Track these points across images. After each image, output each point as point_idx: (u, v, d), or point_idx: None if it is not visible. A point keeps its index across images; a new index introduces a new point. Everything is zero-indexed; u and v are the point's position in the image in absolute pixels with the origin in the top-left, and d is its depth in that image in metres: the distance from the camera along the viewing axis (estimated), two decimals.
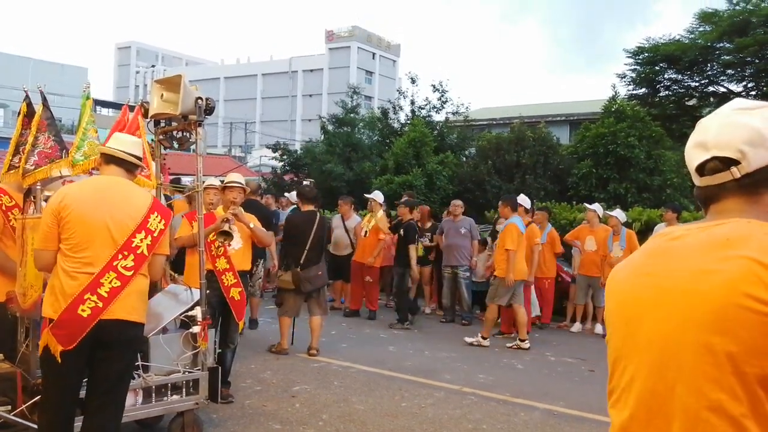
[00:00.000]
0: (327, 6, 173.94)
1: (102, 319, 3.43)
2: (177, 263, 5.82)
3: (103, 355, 3.50)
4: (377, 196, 10.37)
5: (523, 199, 9.22)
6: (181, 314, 4.69)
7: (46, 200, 4.22)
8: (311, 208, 7.69)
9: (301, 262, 7.44)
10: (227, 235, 5.46)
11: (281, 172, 22.45)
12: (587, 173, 14.24)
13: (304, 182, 11.93)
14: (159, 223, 3.67)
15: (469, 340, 8.67)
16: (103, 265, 3.46)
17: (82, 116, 4.53)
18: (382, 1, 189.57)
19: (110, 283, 3.45)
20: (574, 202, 12.68)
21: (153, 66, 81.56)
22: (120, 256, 3.50)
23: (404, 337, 9.05)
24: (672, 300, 1.20)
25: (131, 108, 5.19)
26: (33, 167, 4.27)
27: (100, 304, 3.42)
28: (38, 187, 4.31)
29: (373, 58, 71.37)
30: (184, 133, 5.01)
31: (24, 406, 3.94)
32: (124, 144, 3.76)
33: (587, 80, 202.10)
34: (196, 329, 4.61)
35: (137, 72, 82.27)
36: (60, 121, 46.50)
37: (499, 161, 15.41)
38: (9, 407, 4.05)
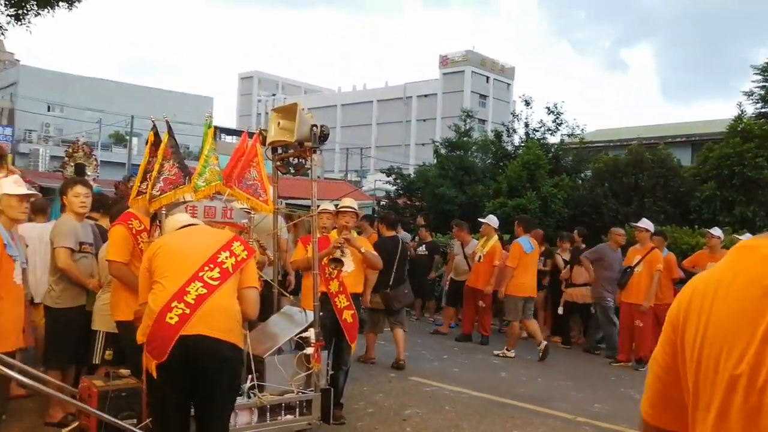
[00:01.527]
0: (441, 32, 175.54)
1: (188, 335, 3.41)
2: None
3: (199, 378, 3.49)
4: (491, 220, 10.21)
5: (646, 223, 9.07)
6: (295, 335, 4.81)
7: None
8: (393, 233, 8.65)
9: (390, 283, 7.96)
10: (338, 263, 5.55)
11: (395, 196, 22.69)
12: (711, 196, 13.47)
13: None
14: (242, 251, 3.77)
15: (496, 352, 9.27)
16: (189, 276, 3.56)
17: (204, 144, 4.79)
18: (496, 25, 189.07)
19: (196, 291, 3.51)
20: (697, 226, 12.04)
21: (273, 94, 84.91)
22: (206, 268, 3.60)
23: (517, 363, 8.86)
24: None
25: (250, 135, 5.42)
26: (159, 193, 4.55)
27: (187, 311, 3.45)
28: (163, 212, 4.58)
29: (487, 81, 71.13)
30: (300, 160, 5.17)
31: (148, 420, 4.15)
32: (185, 219, 4.09)
33: (709, 101, 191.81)
34: (309, 351, 4.70)
35: (259, 100, 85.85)
36: (188, 147, 49.29)
37: (616, 184, 14.88)
38: (135, 420, 4.29)
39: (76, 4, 13.68)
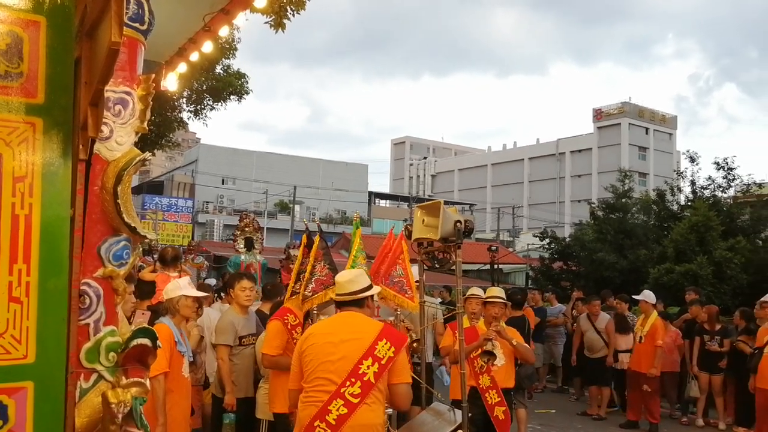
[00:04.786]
0: (592, 86, 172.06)
1: None
2: None
3: None
4: (647, 296, 9.55)
5: None
6: None
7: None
8: (520, 313, 8.43)
9: (519, 362, 7.42)
10: (490, 355, 5.41)
11: (549, 260, 21.97)
12: None
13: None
14: (388, 350, 3.64)
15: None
16: (332, 392, 3.55)
17: (352, 244, 4.93)
18: (653, 74, 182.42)
19: (337, 410, 3.50)
20: None
21: (425, 158, 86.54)
22: (347, 383, 3.55)
23: None
24: None
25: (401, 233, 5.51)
26: (311, 293, 4.75)
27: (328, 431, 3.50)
28: (315, 311, 4.74)
29: (647, 133, 68.17)
30: (445, 254, 5.16)
31: None
32: (344, 287, 3.89)
33: None
34: None
35: (411, 164, 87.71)
36: (345, 213, 51.26)
37: None
38: None
39: (245, 96, 15.34)
